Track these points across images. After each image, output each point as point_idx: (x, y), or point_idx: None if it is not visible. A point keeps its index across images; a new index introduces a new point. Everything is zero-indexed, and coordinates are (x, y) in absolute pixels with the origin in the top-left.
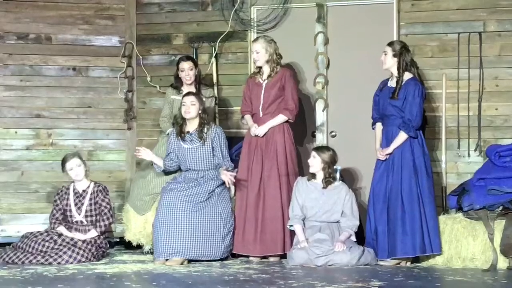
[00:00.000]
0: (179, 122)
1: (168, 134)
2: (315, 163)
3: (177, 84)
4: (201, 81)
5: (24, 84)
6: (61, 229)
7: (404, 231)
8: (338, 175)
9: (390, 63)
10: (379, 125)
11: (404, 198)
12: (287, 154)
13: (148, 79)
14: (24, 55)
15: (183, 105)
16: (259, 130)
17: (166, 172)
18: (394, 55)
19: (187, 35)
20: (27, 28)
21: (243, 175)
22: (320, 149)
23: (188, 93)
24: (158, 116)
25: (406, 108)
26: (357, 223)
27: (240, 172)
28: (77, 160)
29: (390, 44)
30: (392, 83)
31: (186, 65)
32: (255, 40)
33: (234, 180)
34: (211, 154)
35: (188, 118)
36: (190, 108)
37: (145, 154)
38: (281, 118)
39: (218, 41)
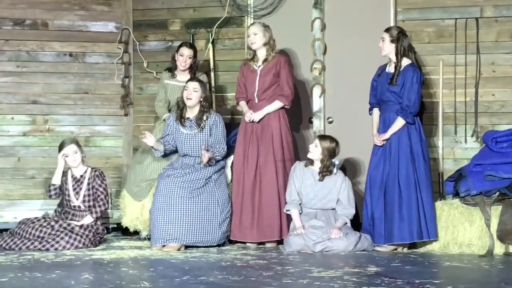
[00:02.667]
0: (180, 106)
1: (164, 120)
2: (315, 151)
3: (171, 66)
4: (197, 70)
5: (21, 70)
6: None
7: (401, 217)
8: (335, 170)
9: (388, 49)
10: (376, 111)
11: (401, 184)
12: (282, 140)
13: (145, 65)
14: (20, 41)
15: (186, 89)
16: (254, 116)
17: (164, 157)
18: (392, 41)
19: (184, 20)
20: (24, 14)
21: (239, 162)
22: (323, 138)
23: (192, 79)
24: (154, 102)
25: (404, 94)
26: (353, 211)
27: (236, 158)
28: (73, 147)
29: (387, 30)
30: (390, 69)
31: (186, 52)
32: (252, 24)
33: (206, 160)
34: (208, 141)
35: (189, 105)
36: (192, 94)
37: (149, 140)
38: (277, 104)
39: (215, 27)
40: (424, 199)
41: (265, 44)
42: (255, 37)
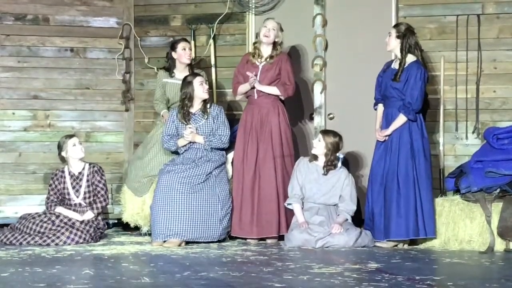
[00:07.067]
0: (188, 105)
1: (162, 115)
2: (319, 146)
3: (169, 65)
4: (194, 64)
5: (22, 65)
6: (59, 209)
7: (398, 213)
8: (339, 164)
9: (394, 44)
10: (380, 106)
11: (400, 181)
12: (282, 136)
13: (146, 60)
14: (21, 36)
15: (201, 85)
16: (257, 82)
17: (165, 153)
18: (398, 37)
19: (185, 16)
20: (25, 9)
21: (238, 158)
22: (326, 133)
23: (196, 75)
24: (153, 101)
25: (407, 91)
26: (354, 208)
27: (236, 154)
28: (77, 138)
29: (396, 25)
30: (396, 65)
31: (187, 45)
32: (271, 18)
33: (188, 135)
34: (212, 133)
35: (206, 98)
36: (206, 87)
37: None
38: (274, 89)
39: (216, 22)
40: (423, 196)
41: (274, 44)
42: (272, 32)
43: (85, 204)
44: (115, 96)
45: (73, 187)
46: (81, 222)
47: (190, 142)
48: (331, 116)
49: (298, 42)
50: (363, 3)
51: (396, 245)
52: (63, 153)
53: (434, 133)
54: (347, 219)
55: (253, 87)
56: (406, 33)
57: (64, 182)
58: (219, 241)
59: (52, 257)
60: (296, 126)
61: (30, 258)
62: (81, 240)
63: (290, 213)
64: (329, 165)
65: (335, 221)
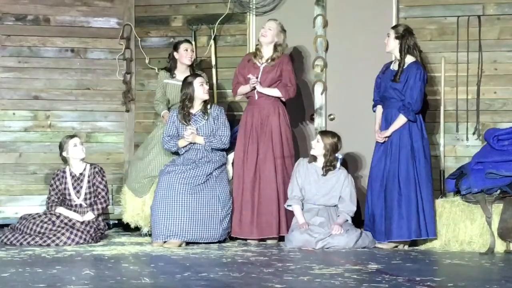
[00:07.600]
0: (188, 106)
1: (162, 116)
2: (318, 147)
3: (170, 66)
4: (195, 66)
5: (22, 65)
6: (60, 209)
7: (400, 214)
8: (338, 164)
9: (392, 45)
10: (379, 108)
11: (400, 182)
12: (282, 137)
13: (147, 61)
14: (22, 36)
15: (201, 85)
16: (258, 84)
17: (165, 154)
18: (397, 37)
19: (186, 17)
20: (26, 9)
21: (239, 158)
22: (325, 134)
23: (196, 75)
24: (154, 101)
25: (407, 91)
26: (354, 208)
27: (236, 155)
28: (78, 139)
29: (394, 27)
30: (395, 66)
31: (190, 46)
32: (272, 19)
33: (189, 136)
34: (212, 133)
35: (206, 98)
36: (206, 88)
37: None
38: (275, 91)
39: (217, 23)
40: (424, 197)
41: (274, 44)
42: (269, 32)
43: (85, 205)
44: (115, 96)
45: (74, 188)
46: (82, 222)
47: (191, 143)
48: (331, 117)
49: (299, 43)
50: (363, 4)
51: (396, 246)
52: (64, 154)
53: (434, 134)
54: (347, 220)
55: (254, 88)
56: (405, 34)
57: (65, 183)
58: (219, 241)
59: (53, 257)
60: (297, 127)
61: (31, 259)
62: (81, 241)
63: (290, 214)
64: (328, 166)
65: (335, 222)
